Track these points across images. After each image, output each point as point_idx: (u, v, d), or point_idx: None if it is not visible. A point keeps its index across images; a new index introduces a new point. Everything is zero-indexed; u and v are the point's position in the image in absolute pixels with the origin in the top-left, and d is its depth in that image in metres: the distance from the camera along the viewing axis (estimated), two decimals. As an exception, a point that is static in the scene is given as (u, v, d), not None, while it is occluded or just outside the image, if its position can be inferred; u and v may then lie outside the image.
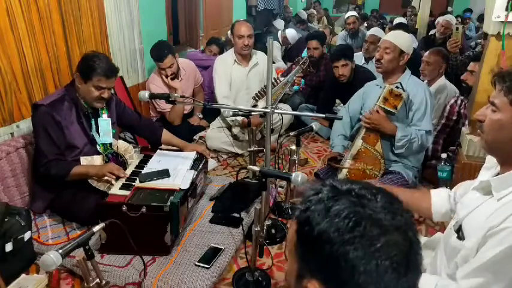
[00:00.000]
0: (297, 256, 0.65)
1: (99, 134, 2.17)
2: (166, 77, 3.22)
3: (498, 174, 1.14)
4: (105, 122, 2.19)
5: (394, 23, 5.91)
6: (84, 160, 2.08)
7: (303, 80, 3.99)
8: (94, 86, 2.04)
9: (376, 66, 2.47)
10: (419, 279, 0.62)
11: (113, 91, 2.80)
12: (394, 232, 0.59)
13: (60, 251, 1.31)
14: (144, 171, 2.12)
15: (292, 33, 5.65)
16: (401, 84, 2.37)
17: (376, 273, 0.57)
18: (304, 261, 0.64)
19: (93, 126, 2.16)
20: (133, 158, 2.29)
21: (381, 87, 2.48)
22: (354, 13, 5.93)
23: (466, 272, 1.05)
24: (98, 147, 2.16)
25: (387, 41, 2.40)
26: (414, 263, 0.61)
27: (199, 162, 2.29)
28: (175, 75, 3.29)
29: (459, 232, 1.15)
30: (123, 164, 2.22)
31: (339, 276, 0.59)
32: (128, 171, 2.12)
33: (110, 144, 2.21)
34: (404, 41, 2.41)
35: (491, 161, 1.22)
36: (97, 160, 2.11)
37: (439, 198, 1.45)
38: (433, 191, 1.49)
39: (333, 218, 0.60)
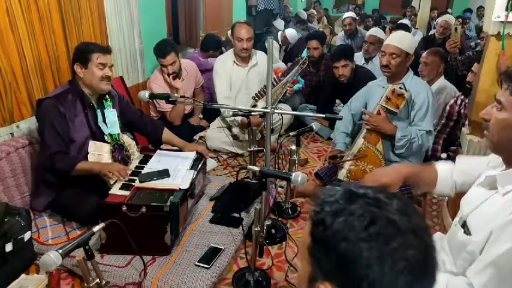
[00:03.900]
0: (310, 258, 0.64)
1: (106, 124, 2.19)
2: (168, 75, 3.22)
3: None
4: (111, 113, 2.22)
5: (396, 24, 5.89)
6: (93, 144, 2.10)
7: (302, 80, 3.99)
8: (95, 65, 2.07)
9: (384, 71, 2.46)
10: (434, 285, 0.61)
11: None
12: (410, 234, 0.59)
13: (60, 251, 1.31)
14: (144, 171, 2.12)
15: (292, 33, 5.65)
16: (404, 84, 2.38)
17: (391, 274, 0.56)
18: (317, 262, 0.63)
19: (100, 117, 2.18)
20: (135, 154, 2.30)
21: (383, 87, 2.48)
22: (351, 14, 5.91)
23: (477, 269, 1.04)
24: (105, 137, 2.17)
25: (392, 46, 2.38)
26: (430, 268, 0.60)
27: (198, 162, 2.29)
28: (177, 75, 3.29)
29: (464, 227, 1.15)
30: (127, 158, 2.24)
31: (352, 277, 0.58)
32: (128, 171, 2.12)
33: (118, 134, 2.22)
34: (408, 42, 2.41)
35: (496, 161, 1.21)
36: (105, 148, 2.13)
37: (445, 173, 1.44)
38: (438, 165, 1.46)
39: (348, 216, 0.60)
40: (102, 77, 2.09)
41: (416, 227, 0.60)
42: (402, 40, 2.40)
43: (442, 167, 1.46)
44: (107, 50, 2.14)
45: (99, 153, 2.11)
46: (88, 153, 2.09)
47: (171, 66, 3.18)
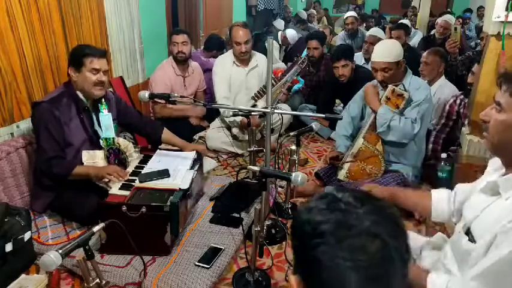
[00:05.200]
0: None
1: (101, 128, 2.18)
2: (177, 53, 3.26)
3: (504, 175, 1.13)
4: (106, 116, 2.19)
5: (397, 24, 5.88)
6: (86, 154, 2.08)
7: (302, 80, 3.99)
8: (89, 70, 2.04)
9: (383, 85, 2.46)
10: None
11: (112, 90, 2.82)
12: (365, 236, 0.60)
13: (60, 251, 1.31)
14: (144, 171, 2.12)
15: (292, 34, 5.65)
16: (403, 85, 2.38)
17: (338, 272, 0.59)
18: (294, 256, 0.68)
19: (95, 121, 2.16)
20: (132, 156, 2.29)
21: (382, 89, 2.48)
22: (353, 13, 5.91)
23: (476, 272, 1.04)
24: (100, 141, 2.16)
25: (381, 62, 2.37)
26: (383, 275, 0.60)
27: (195, 163, 2.29)
28: (186, 59, 3.34)
29: (469, 235, 1.15)
30: (124, 161, 2.22)
31: (308, 271, 0.63)
32: (128, 172, 2.12)
33: (113, 139, 2.21)
34: (394, 51, 2.37)
35: (495, 164, 1.21)
36: (99, 155, 2.12)
37: (439, 199, 1.45)
38: (434, 191, 1.49)
39: (311, 213, 0.65)
40: (95, 82, 2.06)
41: (378, 231, 0.60)
42: (387, 53, 2.37)
43: (436, 192, 1.48)
44: (101, 54, 2.07)
45: (93, 161, 2.09)
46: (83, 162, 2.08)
47: (182, 44, 3.25)
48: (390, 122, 2.31)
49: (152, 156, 2.31)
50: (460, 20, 6.47)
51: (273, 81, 2.73)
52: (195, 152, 2.37)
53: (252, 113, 2.47)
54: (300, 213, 0.68)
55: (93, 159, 2.09)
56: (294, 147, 2.25)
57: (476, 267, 1.05)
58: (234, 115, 2.55)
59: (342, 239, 0.60)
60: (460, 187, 1.42)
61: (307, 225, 0.63)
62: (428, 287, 1.15)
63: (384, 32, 4.75)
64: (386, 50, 2.39)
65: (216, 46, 4.14)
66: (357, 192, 0.68)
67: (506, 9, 1.90)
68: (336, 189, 0.69)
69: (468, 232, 1.15)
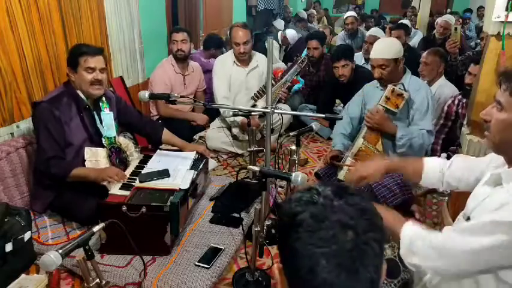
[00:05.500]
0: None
1: (103, 127, 2.18)
2: (176, 51, 3.28)
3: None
4: (108, 115, 2.19)
5: (397, 24, 5.88)
6: (89, 151, 2.08)
7: (302, 80, 3.99)
8: (84, 69, 2.03)
9: (381, 82, 2.46)
10: (363, 281, 0.63)
11: (112, 89, 2.82)
12: (338, 228, 0.63)
13: (60, 251, 1.31)
14: (144, 171, 2.12)
15: (292, 34, 5.66)
16: (403, 84, 2.38)
17: (311, 260, 0.62)
18: (277, 245, 0.72)
19: (97, 119, 2.16)
20: (133, 155, 2.29)
21: (381, 89, 2.48)
22: (353, 13, 5.91)
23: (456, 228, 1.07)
24: (103, 140, 2.16)
25: (379, 59, 2.36)
26: (353, 265, 0.62)
27: (199, 163, 2.29)
28: (185, 58, 3.36)
29: (468, 221, 1.16)
30: (125, 160, 2.22)
31: (286, 258, 0.67)
32: (128, 172, 2.12)
33: (114, 137, 2.21)
34: (393, 48, 2.37)
35: (497, 161, 1.22)
36: (101, 153, 2.12)
37: (430, 167, 1.48)
38: (426, 159, 1.52)
39: (291, 204, 0.68)
40: (91, 81, 2.05)
41: (351, 224, 0.63)
42: (386, 50, 2.37)
43: (430, 160, 1.52)
44: (95, 52, 2.06)
45: (96, 159, 2.09)
46: (85, 160, 2.08)
47: (181, 42, 3.27)
48: (411, 141, 2.31)
49: (152, 156, 2.31)
50: (460, 20, 6.47)
51: (272, 81, 2.73)
52: (195, 152, 2.37)
53: (252, 113, 2.47)
54: (282, 205, 0.72)
55: (95, 157, 2.09)
56: (294, 147, 2.25)
57: (456, 227, 1.09)
58: (234, 115, 2.55)
59: (316, 229, 0.63)
60: (458, 159, 1.46)
61: (287, 215, 0.67)
62: (401, 236, 1.15)
63: (384, 32, 4.76)
64: (385, 47, 2.40)
65: (214, 45, 4.14)
66: (338, 187, 0.70)
67: (506, 9, 1.90)
68: (320, 183, 0.72)
69: (468, 220, 1.17)
